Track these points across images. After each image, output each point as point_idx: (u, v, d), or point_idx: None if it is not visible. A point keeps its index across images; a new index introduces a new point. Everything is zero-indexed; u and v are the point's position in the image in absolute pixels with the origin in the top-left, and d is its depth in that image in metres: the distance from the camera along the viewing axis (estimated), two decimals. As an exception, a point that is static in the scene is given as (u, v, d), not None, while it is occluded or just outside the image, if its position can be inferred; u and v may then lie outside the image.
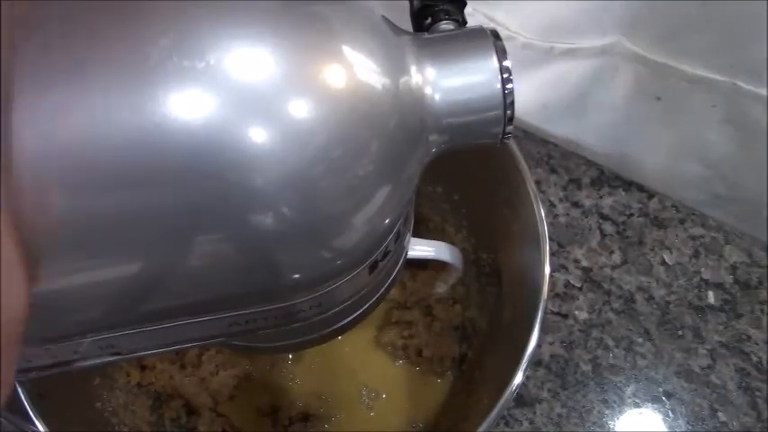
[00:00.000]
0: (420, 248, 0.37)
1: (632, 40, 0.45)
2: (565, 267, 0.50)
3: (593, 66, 0.48)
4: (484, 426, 0.32)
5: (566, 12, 0.46)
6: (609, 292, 0.49)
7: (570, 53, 0.48)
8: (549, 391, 0.46)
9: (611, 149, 0.52)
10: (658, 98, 0.47)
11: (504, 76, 0.23)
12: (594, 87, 0.49)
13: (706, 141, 0.47)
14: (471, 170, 0.41)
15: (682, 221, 0.52)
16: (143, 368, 0.45)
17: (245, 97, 0.19)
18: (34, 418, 0.30)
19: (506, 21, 0.48)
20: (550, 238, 0.37)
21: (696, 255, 0.51)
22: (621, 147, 0.52)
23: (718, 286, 0.50)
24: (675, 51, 0.44)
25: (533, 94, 0.52)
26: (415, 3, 0.27)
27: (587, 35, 0.46)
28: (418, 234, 0.32)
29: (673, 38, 0.44)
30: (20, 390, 0.23)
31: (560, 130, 0.53)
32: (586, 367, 0.47)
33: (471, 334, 0.47)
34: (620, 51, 0.46)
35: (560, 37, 0.48)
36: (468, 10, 0.49)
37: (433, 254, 0.38)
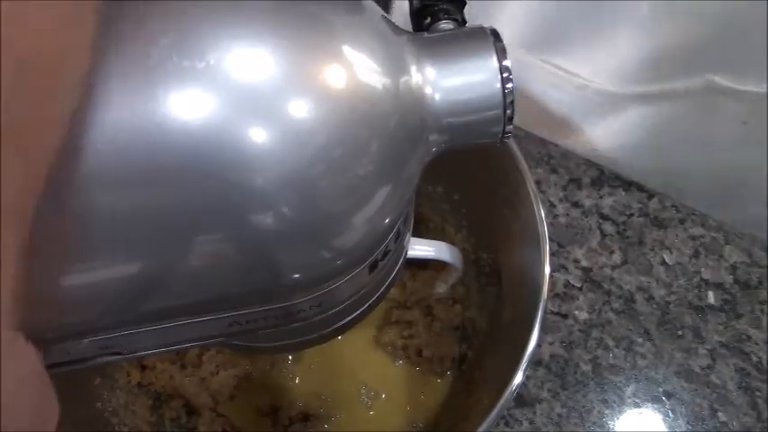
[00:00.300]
0: (420, 248, 0.37)
1: (722, 75, 0.46)
2: (565, 267, 0.50)
3: (677, 105, 0.49)
4: (484, 426, 0.32)
5: (643, 57, 0.47)
6: (609, 292, 0.49)
7: (650, 96, 0.49)
8: (549, 391, 0.46)
9: (701, 180, 0.53)
10: (744, 122, 0.48)
11: (504, 75, 0.23)
12: (679, 124, 0.50)
13: None
14: (471, 170, 0.41)
15: (682, 221, 0.52)
16: (143, 368, 0.45)
17: (245, 97, 0.19)
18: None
19: (577, 69, 0.50)
20: (550, 238, 0.37)
21: (696, 255, 0.51)
22: (712, 176, 0.52)
23: (718, 286, 0.50)
24: (764, 77, 0.45)
25: (611, 137, 0.53)
26: (414, 2, 0.27)
27: (670, 77, 0.48)
28: (418, 234, 0.32)
29: (762, 65, 0.44)
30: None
31: (644, 166, 0.54)
32: (586, 367, 0.47)
33: (471, 334, 0.47)
34: (708, 87, 0.47)
35: (639, 81, 0.49)
36: (530, 60, 0.50)
37: (433, 254, 0.38)
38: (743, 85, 0.46)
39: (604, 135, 0.53)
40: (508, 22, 0.49)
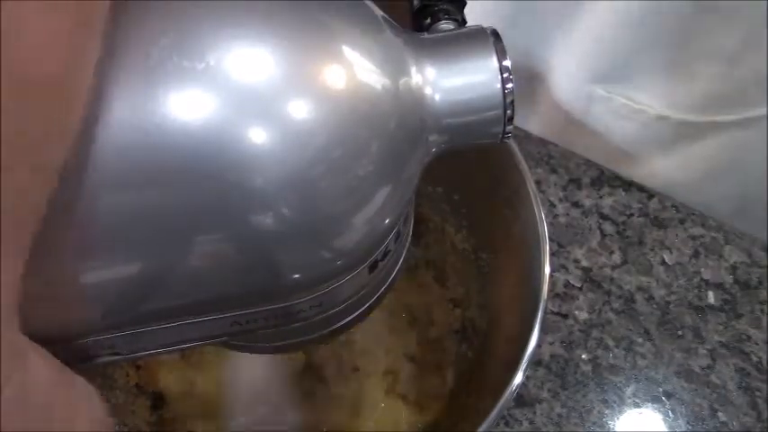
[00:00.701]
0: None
1: None
2: (565, 267, 0.50)
3: (757, 131, 0.50)
4: (484, 426, 0.32)
5: (727, 85, 0.48)
6: (609, 292, 0.49)
7: (733, 123, 0.50)
8: (549, 391, 0.46)
9: None
10: None
11: (504, 75, 0.23)
12: (759, 150, 0.50)
13: None
14: (471, 170, 0.41)
15: (682, 221, 0.52)
16: (137, 368, 0.45)
17: (245, 98, 0.19)
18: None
19: (651, 101, 0.50)
20: (550, 239, 0.37)
21: (696, 255, 0.51)
22: None
23: (718, 286, 0.50)
24: None
25: (686, 166, 0.53)
26: (414, 2, 0.27)
27: (755, 104, 0.48)
28: (418, 234, 0.32)
29: None
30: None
31: (718, 193, 0.54)
32: (586, 367, 0.47)
33: (471, 334, 0.47)
34: None
35: (717, 110, 0.49)
36: (601, 92, 0.51)
37: None
38: None
39: (678, 165, 0.54)
40: (581, 54, 0.50)
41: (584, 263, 0.50)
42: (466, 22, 0.27)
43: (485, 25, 0.25)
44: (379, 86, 0.21)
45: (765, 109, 0.48)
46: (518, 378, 0.33)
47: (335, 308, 0.26)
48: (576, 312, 0.49)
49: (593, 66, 0.50)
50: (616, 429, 0.45)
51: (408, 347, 0.47)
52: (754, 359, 0.47)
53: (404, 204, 0.24)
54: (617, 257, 0.51)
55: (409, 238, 0.29)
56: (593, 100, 0.52)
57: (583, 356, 0.47)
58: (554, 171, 0.53)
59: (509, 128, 0.24)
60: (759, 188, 0.53)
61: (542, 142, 0.54)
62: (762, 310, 0.49)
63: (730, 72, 0.47)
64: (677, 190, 0.53)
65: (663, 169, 0.54)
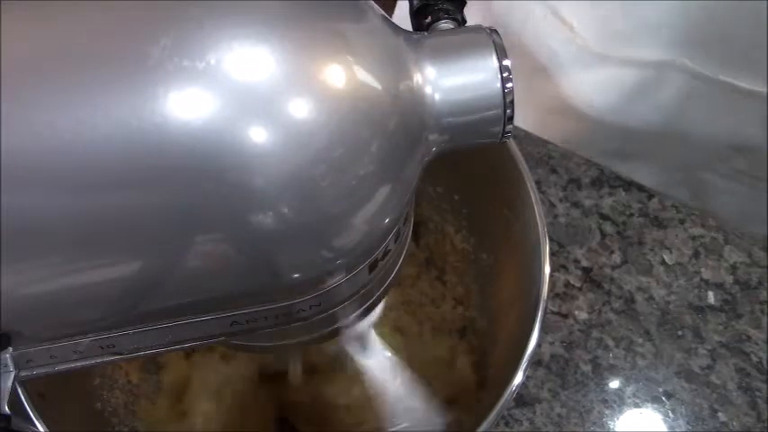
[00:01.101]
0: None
1: (691, 57, 0.50)
2: (565, 267, 0.50)
3: (644, 75, 0.53)
4: (484, 426, 0.32)
5: (627, 23, 0.51)
6: (609, 292, 0.49)
7: (624, 62, 0.53)
8: (549, 391, 0.46)
9: (647, 139, 0.57)
10: (705, 104, 0.52)
11: (504, 74, 0.23)
12: (642, 95, 0.54)
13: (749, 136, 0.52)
14: (471, 170, 0.41)
15: (682, 221, 0.52)
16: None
17: (246, 97, 0.19)
18: (34, 419, 0.30)
19: (571, 19, 0.53)
20: (550, 238, 0.37)
21: (696, 255, 0.51)
22: (659, 136, 0.56)
23: (719, 286, 0.50)
24: (733, 69, 0.49)
25: (579, 94, 0.56)
26: (414, 2, 0.27)
27: (645, 48, 0.52)
28: (418, 234, 0.32)
29: (732, 57, 0.49)
30: (20, 390, 0.23)
31: (607, 122, 0.57)
32: (586, 367, 0.47)
33: (471, 334, 0.47)
34: (677, 66, 0.51)
35: (617, 45, 0.52)
36: (539, 11, 0.54)
37: None
38: (711, 72, 0.50)
39: (595, 84, 0.56)
40: None
41: (584, 263, 0.50)
42: (466, 22, 0.27)
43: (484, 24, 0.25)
44: (379, 86, 0.21)
45: (657, 56, 0.51)
46: (518, 378, 0.33)
47: (336, 307, 0.26)
48: (576, 312, 0.49)
49: None
50: (616, 429, 0.45)
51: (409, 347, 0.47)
52: (754, 359, 0.47)
53: (404, 204, 0.24)
54: (617, 257, 0.51)
55: (409, 238, 0.29)
56: (529, 15, 0.54)
57: (583, 356, 0.47)
58: (554, 171, 0.53)
59: (509, 127, 0.24)
60: (635, 123, 0.56)
61: (542, 142, 0.54)
62: (762, 310, 0.49)
63: (624, 12, 0.50)
64: (595, 109, 0.56)
65: (582, 87, 0.56)
